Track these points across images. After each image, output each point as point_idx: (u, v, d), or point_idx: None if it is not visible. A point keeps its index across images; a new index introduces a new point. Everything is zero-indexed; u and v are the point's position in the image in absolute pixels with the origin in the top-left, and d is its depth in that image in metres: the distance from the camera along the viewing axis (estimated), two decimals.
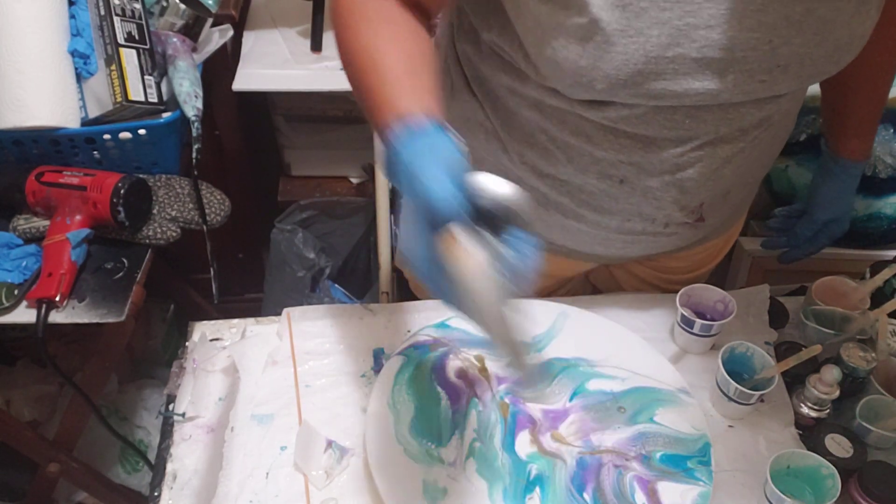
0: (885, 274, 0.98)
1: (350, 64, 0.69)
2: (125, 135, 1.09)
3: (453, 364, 0.88)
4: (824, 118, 1.04)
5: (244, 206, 1.58)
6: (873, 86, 0.97)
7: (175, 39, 1.16)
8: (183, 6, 1.18)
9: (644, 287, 1.07)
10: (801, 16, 0.68)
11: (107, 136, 1.09)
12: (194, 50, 1.19)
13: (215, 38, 1.22)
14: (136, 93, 1.07)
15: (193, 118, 1.12)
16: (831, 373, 0.83)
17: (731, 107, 0.75)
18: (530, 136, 0.83)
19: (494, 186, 0.58)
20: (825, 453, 0.80)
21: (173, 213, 1.11)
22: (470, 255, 0.56)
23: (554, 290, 1.09)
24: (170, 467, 0.83)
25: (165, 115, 1.11)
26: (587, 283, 1.14)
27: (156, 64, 1.11)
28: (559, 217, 0.88)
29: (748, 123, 0.77)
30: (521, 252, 0.57)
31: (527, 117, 0.81)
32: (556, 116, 0.79)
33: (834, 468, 0.76)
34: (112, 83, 1.06)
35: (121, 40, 1.07)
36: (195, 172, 1.11)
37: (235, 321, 0.98)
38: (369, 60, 0.67)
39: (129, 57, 1.07)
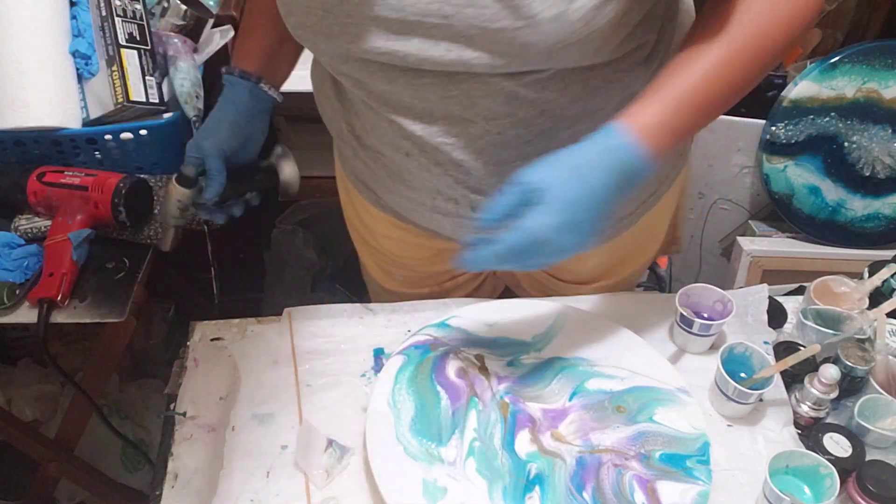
0: (884, 273, 0.98)
1: None
2: (126, 135, 1.09)
3: (453, 363, 0.88)
4: None
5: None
6: None
7: (176, 40, 1.16)
8: (184, 7, 1.18)
9: (540, 287, 1.06)
10: None
11: (108, 137, 1.09)
12: (195, 51, 1.20)
13: (216, 38, 1.23)
14: (137, 93, 1.07)
15: (194, 118, 1.12)
16: (830, 372, 0.83)
17: (449, 81, 0.71)
18: (353, 105, 0.85)
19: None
20: (824, 452, 0.81)
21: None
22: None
23: (465, 279, 1.08)
24: (171, 466, 0.83)
25: (166, 115, 1.12)
26: (500, 281, 1.12)
27: (157, 64, 1.11)
28: (401, 187, 0.88)
29: (486, 106, 0.73)
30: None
31: (348, 86, 0.82)
32: (350, 83, 0.79)
33: (832, 467, 0.76)
34: (113, 84, 1.06)
35: (122, 41, 1.07)
36: None
37: (236, 321, 0.98)
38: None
39: (131, 58, 1.08)
